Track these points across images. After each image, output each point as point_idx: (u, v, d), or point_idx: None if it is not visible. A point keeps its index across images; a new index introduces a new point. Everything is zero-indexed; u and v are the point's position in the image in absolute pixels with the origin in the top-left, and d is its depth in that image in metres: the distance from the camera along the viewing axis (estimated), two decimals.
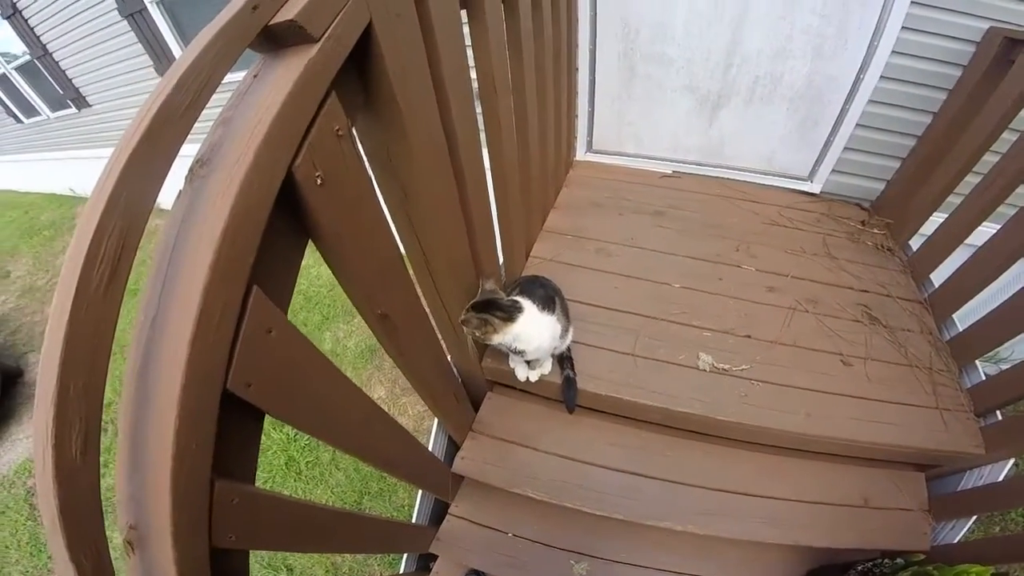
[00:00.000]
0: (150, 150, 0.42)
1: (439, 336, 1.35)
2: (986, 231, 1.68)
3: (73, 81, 4.75)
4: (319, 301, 3.60)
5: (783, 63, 2.10)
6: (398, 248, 0.95)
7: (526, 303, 1.30)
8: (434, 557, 1.52)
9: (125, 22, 3.71)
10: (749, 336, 1.68)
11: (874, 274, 1.98)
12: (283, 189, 0.56)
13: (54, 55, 4.60)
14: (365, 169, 0.75)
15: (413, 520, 1.51)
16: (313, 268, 3.80)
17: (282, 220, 0.61)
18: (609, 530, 1.52)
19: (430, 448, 1.52)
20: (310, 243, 0.71)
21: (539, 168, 1.87)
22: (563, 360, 1.54)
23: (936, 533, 1.42)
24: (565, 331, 1.43)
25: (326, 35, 0.53)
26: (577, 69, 2.31)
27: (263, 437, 2.85)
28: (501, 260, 1.67)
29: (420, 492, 1.53)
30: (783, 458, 1.54)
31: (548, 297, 1.39)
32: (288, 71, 0.51)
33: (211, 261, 0.47)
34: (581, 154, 2.60)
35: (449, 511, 1.55)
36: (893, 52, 1.93)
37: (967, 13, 1.79)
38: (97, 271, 0.42)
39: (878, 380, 1.58)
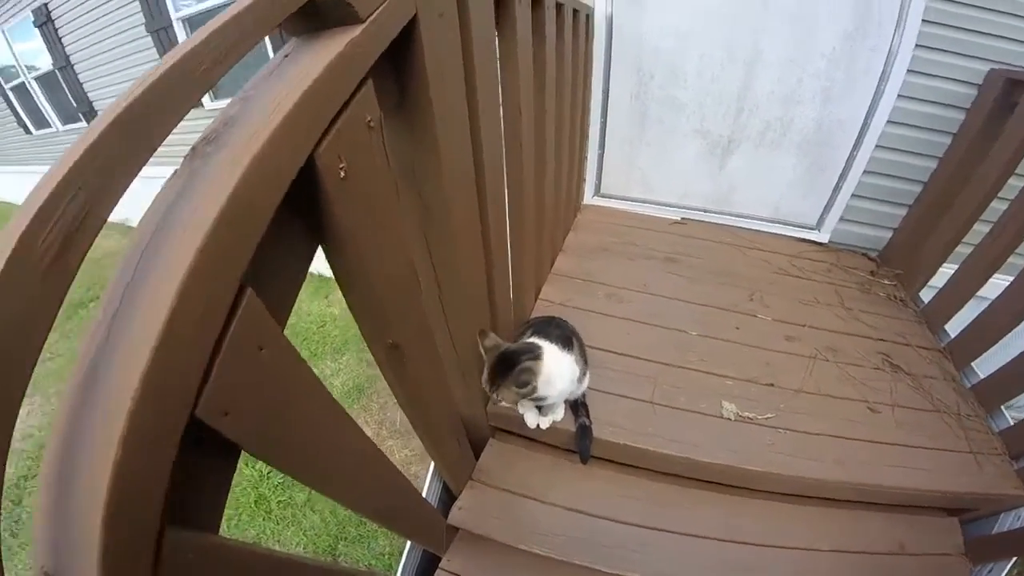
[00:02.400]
0: (149, 109, 0.34)
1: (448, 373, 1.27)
2: (999, 281, 1.66)
3: (89, 95, 4.81)
4: (307, 337, 3.50)
5: (793, 108, 2.14)
6: (431, 268, 0.89)
7: (544, 343, 1.22)
8: None
9: (149, 38, 3.80)
10: (772, 384, 1.60)
11: (889, 324, 1.93)
12: (298, 180, 0.47)
13: (75, 67, 4.67)
14: (391, 171, 0.67)
15: (399, 574, 1.35)
16: (304, 303, 3.73)
17: (292, 217, 0.51)
18: None
19: (424, 496, 1.39)
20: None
21: (552, 204, 1.84)
22: (577, 407, 1.44)
23: None
24: (583, 375, 1.34)
25: (371, 18, 0.48)
26: (589, 112, 2.36)
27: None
28: (511, 303, 1.60)
29: (408, 545, 1.38)
30: (810, 507, 1.41)
31: (566, 337, 1.31)
32: (327, 49, 0.45)
33: (201, 244, 0.36)
34: (589, 198, 2.60)
35: (440, 566, 1.39)
36: (899, 96, 1.97)
37: (969, 55, 1.83)
38: (44, 240, 0.31)
39: (907, 426, 1.50)
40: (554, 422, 1.41)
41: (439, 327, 1.13)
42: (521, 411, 1.41)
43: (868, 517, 1.41)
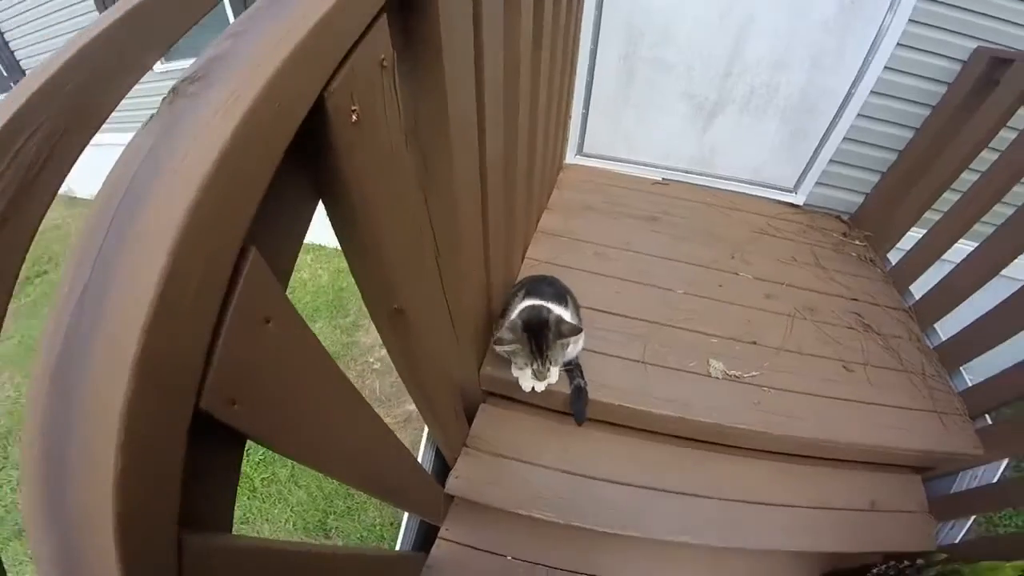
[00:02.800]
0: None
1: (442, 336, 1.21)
2: (962, 247, 1.74)
3: (21, 63, 4.24)
4: None
5: (781, 74, 2.12)
6: (429, 228, 0.81)
7: (541, 302, 1.18)
8: None
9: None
10: (755, 343, 1.64)
11: (861, 284, 2.01)
12: (304, 126, 0.39)
13: (5, 34, 4.10)
14: (402, 117, 0.58)
15: (398, 547, 1.33)
16: None
17: (296, 167, 0.44)
18: (615, 547, 1.40)
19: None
20: None
21: (540, 162, 1.76)
22: (572, 368, 1.42)
23: (937, 534, 1.43)
24: (576, 334, 1.31)
25: None
26: (575, 70, 2.25)
27: None
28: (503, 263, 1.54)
29: (405, 517, 1.36)
30: (793, 464, 1.49)
31: (559, 295, 1.28)
32: None
33: (195, 197, 0.29)
34: (571, 157, 2.53)
35: (440, 535, 1.38)
36: (885, 68, 1.99)
37: (958, 32, 1.85)
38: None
39: (880, 385, 1.58)
40: (549, 385, 1.39)
41: (436, 289, 1.07)
42: (516, 375, 1.39)
43: (842, 475, 1.49)
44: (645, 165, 2.50)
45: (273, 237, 0.43)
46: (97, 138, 0.37)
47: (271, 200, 0.37)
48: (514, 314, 1.20)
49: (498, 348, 1.15)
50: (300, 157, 0.42)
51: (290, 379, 0.48)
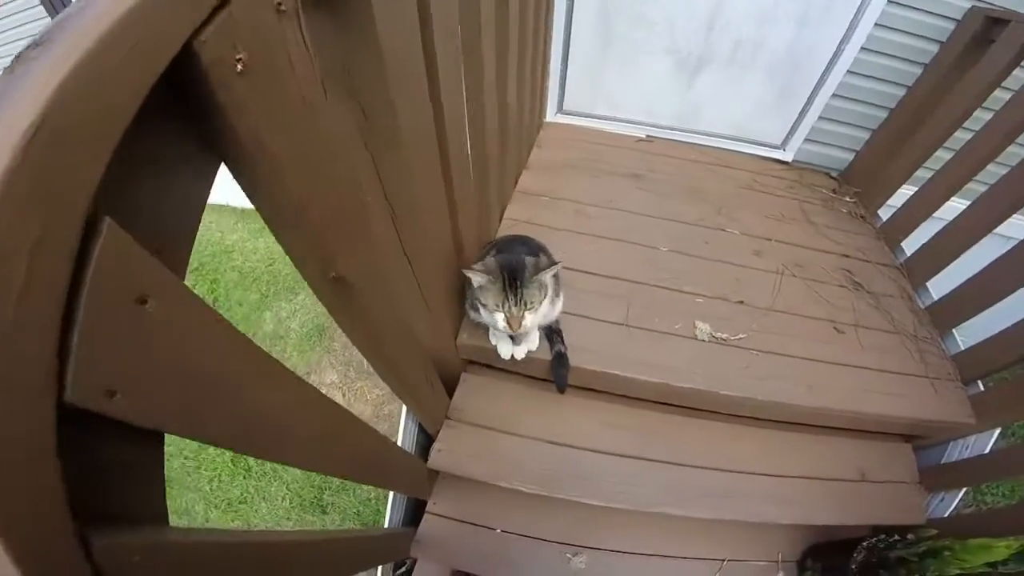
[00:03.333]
0: None
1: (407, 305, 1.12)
2: (954, 205, 1.69)
3: None
4: (256, 278, 3.18)
5: (767, 28, 2.00)
6: (378, 187, 0.71)
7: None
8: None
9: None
10: (742, 302, 1.57)
11: (851, 239, 1.95)
12: (182, 78, 0.33)
13: None
14: (315, 66, 0.48)
15: (386, 524, 1.28)
16: (248, 241, 3.40)
17: (176, 128, 0.38)
18: (606, 518, 1.37)
19: (399, 442, 1.29)
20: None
21: (515, 116, 1.64)
22: (552, 333, 1.34)
23: (926, 505, 1.40)
24: (556, 295, 1.23)
25: None
26: (552, 25, 2.10)
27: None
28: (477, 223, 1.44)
29: (391, 495, 1.30)
30: (781, 432, 1.45)
31: (532, 252, 1.19)
32: None
33: (8, 164, 0.23)
34: (551, 115, 2.40)
35: (427, 509, 1.33)
36: (876, 24, 1.90)
37: None
38: None
39: (871, 348, 1.53)
40: (529, 352, 1.32)
41: (394, 253, 0.97)
42: (494, 342, 1.31)
43: (832, 444, 1.45)
44: (628, 122, 2.39)
45: (151, 204, 0.37)
46: None
47: (142, 163, 0.34)
48: (488, 258, 1.12)
49: (468, 274, 1.06)
50: (184, 114, 0.37)
51: (188, 362, 0.39)
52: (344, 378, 2.62)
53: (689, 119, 2.34)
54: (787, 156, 2.33)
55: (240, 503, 2.24)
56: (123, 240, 0.31)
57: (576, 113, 2.41)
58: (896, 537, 1.23)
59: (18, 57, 0.27)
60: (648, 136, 2.37)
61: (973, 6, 1.77)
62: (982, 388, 1.46)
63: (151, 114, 0.31)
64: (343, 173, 0.60)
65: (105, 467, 0.38)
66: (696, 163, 2.25)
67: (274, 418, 0.54)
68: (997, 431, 1.40)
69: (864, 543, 1.27)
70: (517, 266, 1.07)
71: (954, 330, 1.61)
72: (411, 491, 1.22)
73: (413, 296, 1.12)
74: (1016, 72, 1.62)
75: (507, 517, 1.36)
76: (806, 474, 1.38)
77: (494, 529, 1.34)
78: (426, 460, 1.28)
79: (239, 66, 0.37)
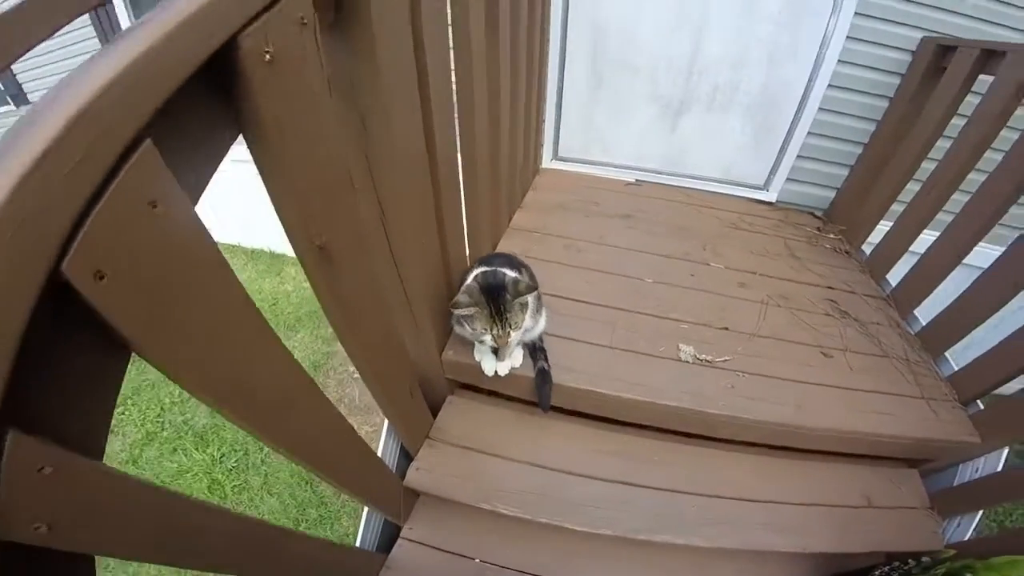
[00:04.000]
0: None
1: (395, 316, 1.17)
2: (931, 236, 1.73)
3: (17, 76, 4.31)
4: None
5: (741, 71, 2.16)
6: (348, 174, 0.78)
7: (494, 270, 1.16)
8: None
9: (86, 15, 3.40)
10: (727, 328, 1.59)
11: (836, 273, 1.98)
12: (223, 65, 0.46)
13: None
14: (323, 69, 0.61)
15: (357, 543, 1.24)
16: (256, 281, 3.54)
17: (214, 100, 0.50)
18: (591, 551, 1.31)
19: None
20: None
21: (508, 156, 1.77)
22: (535, 351, 1.37)
23: (944, 532, 1.32)
24: (537, 310, 1.27)
25: None
26: (547, 76, 2.29)
27: (182, 457, 2.40)
28: (467, 250, 1.52)
29: (365, 512, 1.27)
30: (775, 458, 1.42)
31: (511, 263, 1.25)
32: None
33: (97, 90, 0.34)
34: (547, 161, 2.55)
35: (401, 534, 1.29)
36: (839, 61, 2.03)
37: (904, 24, 1.92)
38: None
39: (861, 371, 1.52)
40: (512, 369, 1.34)
41: (382, 252, 1.04)
42: (478, 358, 1.33)
43: (833, 469, 1.41)
44: (619, 167, 2.52)
45: (182, 146, 0.46)
46: None
47: (184, 114, 0.45)
48: (469, 279, 1.17)
49: (456, 312, 1.11)
50: (221, 90, 0.50)
51: (176, 273, 0.46)
52: None
53: (676, 163, 2.47)
54: (771, 196, 2.42)
55: None
56: (154, 157, 0.40)
57: (571, 159, 2.56)
58: (912, 563, 1.17)
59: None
60: (638, 180, 2.50)
61: (923, 37, 1.89)
62: (981, 407, 1.42)
63: (197, 91, 0.44)
64: (336, 159, 0.70)
65: (59, 373, 0.41)
66: (683, 204, 2.34)
67: (244, 364, 0.57)
68: (1007, 450, 1.35)
69: (877, 572, 1.20)
70: (499, 290, 1.12)
71: (946, 353, 1.60)
72: (384, 507, 1.19)
73: (403, 310, 1.17)
74: (969, 98, 1.70)
75: (487, 547, 1.31)
76: (806, 500, 1.33)
77: (472, 559, 1.29)
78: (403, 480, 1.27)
79: (267, 56, 0.50)
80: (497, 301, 1.09)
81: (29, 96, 4.44)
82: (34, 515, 0.38)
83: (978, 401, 1.44)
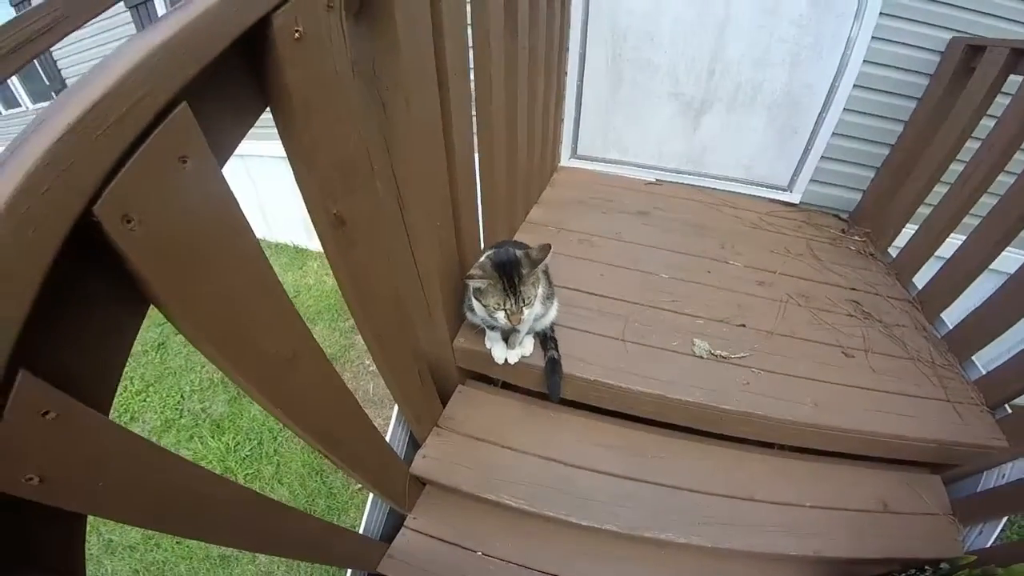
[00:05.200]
0: None
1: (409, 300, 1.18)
2: (959, 239, 1.68)
3: (62, 72, 4.54)
4: None
5: (763, 71, 2.13)
6: (367, 152, 0.80)
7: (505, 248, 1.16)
8: None
9: (128, 13, 3.54)
10: (744, 325, 1.56)
11: (860, 275, 1.93)
12: (257, 42, 0.51)
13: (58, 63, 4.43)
14: (348, 51, 0.65)
15: (360, 530, 1.24)
16: (279, 274, 3.56)
17: (246, 73, 0.55)
18: (598, 546, 1.29)
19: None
20: None
21: (527, 149, 1.78)
22: (546, 340, 1.36)
23: (964, 539, 1.27)
24: (548, 298, 1.26)
25: None
26: (566, 73, 2.30)
27: (198, 444, 2.45)
28: (481, 241, 1.52)
29: (370, 498, 1.27)
30: (790, 460, 1.38)
31: (520, 245, 1.25)
32: None
33: (144, 55, 0.39)
34: (565, 159, 2.55)
35: (405, 523, 1.29)
36: (865, 61, 1.99)
37: (931, 24, 1.88)
38: None
39: (883, 372, 1.47)
40: (523, 357, 1.34)
41: (399, 239, 1.05)
42: (489, 345, 1.33)
43: (849, 472, 1.36)
44: (638, 166, 2.50)
45: (213, 109, 0.49)
46: None
47: (219, 82, 0.49)
48: (481, 259, 1.17)
49: (470, 283, 1.11)
50: (255, 66, 0.54)
51: (199, 225, 0.48)
52: None
53: (696, 162, 2.44)
54: (794, 198, 2.37)
55: None
56: (188, 117, 0.43)
57: (589, 158, 2.56)
58: (929, 569, 1.12)
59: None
60: (658, 180, 2.47)
61: (953, 37, 1.84)
62: (1009, 411, 1.36)
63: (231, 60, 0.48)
64: (356, 137, 0.72)
65: (76, 323, 0.43)
66: (702, 203, 2.31)
67: (257, 327, 0.59)
68: None
69: None
70: (512, 264, 1.11)
71: (973, 358, 1.54)
72: (389, 494, 1.18)
73: (414, 290, 1.18)
74: (999, 99, 1.65)
75: (491, 540, 1.29)
76: (820, 503, 1.28)
77: (475, 552, 1.28)
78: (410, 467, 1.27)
79: (296, 34, 0.54)
80: (511, 275, 1.08)
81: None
82: (30, 465, 0.38)
83: (1006, 406, 1.39)
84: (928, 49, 1.93)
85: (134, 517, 0.53)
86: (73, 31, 1.02)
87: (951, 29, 1.88)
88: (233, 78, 0.53)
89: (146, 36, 0.41)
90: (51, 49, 4.40)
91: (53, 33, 0.84)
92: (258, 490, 2.23)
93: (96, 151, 0.37)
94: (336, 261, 0.75)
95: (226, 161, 0.55)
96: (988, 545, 1.23)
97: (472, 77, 1.22)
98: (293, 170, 0.66)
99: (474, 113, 1.26)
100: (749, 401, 1.32)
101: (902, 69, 2.00)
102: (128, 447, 0.49)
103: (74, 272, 0.40)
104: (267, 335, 0.60)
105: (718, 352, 1.43)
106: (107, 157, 0.38)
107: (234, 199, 0.51)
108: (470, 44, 1.16)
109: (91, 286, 0.44)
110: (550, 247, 1.11)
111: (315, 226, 0.71)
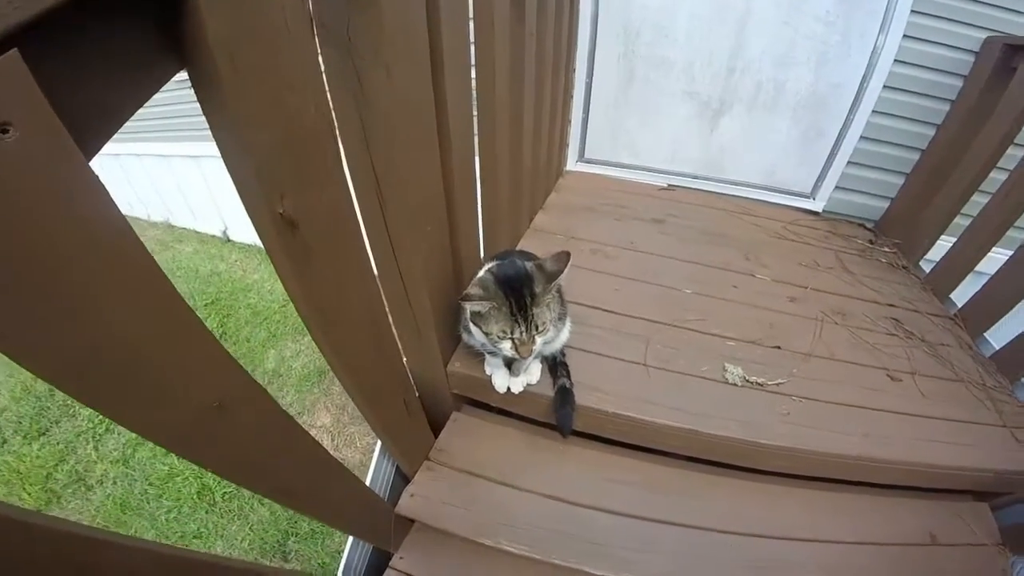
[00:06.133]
0: None
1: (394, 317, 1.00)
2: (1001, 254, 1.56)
3: None
4: (267, 317, 3.23)
5: (787, 70, 1.99)
6: (332, 133, 0.63)
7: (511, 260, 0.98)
8: None
9: None
10: (779, 347, 1.39)
11: (895, 290, 1.76)
12: None
13: None
14: (304, 3, 0.50)
15: (340, 572, 1.06)
16: (267, 282, 3.49)
17: (140, 21, 0.38)
18: None
19: (369, 480, 1.11)
20: None
21: (532, 150, 1.62)
22: (556, 366, 1.18)
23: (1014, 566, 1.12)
24: (560, 318, 1.07)
25: None
26: (574, 70, 2.15)
27: (174, 459, 2.24)
28: (481, 250, 1.35)
29: (350, 538, 1.09)
30: (828, 492, 1.21)
31: (525, 255, 1.07)
32: None
33: None
34: (572, 163, 2.40)
35: (391, 564, 1.10)
36: (896, 61, 1.87)
37: (965, 23, 1.76)
38: None
39: (934, 396, 1.32)
40: (528, 386, 1.16)
41: (379, 244, 0.87)
42: (489, 371, 1.15)
43: (891, 504, 1.21)
44: (650, 171, 2.35)
45: (81, 64, 0.35)
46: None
47: (96, 30, 0.34)
48: (481, 273, 0.98)
49: (468, 305, 0.91)
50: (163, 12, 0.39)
51: (29, 232, 0.31)
52: (336, 422, 2.52)
53: (713, 166, 2.29)
54: (817, 206, 2.21)
55: (194, 538, 2.08)
56: (19, 68, 0.29)
57: (598, 161, 2.40)
58: None
59: None
60: (671, 185, 2.32)
61: (988, 37, 1.72)
62: None
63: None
64: (312, 111, 0.55)
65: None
66: (721, 211, 2.15)
67: (129, 342, 0.40)
68: None
69: None
70: (521, 280, 0.92)
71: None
72: (369, 535, 1.01)
73: (399, 306, 1.00)
74: None
75: None
76: (865, 539, 1.12)
77: None
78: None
79: None
80: (520, 294, 0.89)
81: None
82: None
83: None
84: (962, 49, 1.81)
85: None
86: None
87: (986, 28, 1.76)
88: (124, 23, 0.37)
89: None
90: None
91: None
92: (237, 510, 2.05)
93: None
94: (286, 273, 0.57)
95: (108, 137, 0.38)
96: None
97: (473, 61, 1.06)
98: (221, 154, 0.49)
99: (474, 101, 1.10)
100: (792, 434, 1.15)
101: (934, 69, 1.87)
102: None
103: None
104: (170, 379, 0.42)
105: (753, 379, 1.25)
106: None
107: (103, 192, 0.34)
108: (471, 20, 1.00)
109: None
110: (569, 256, 0.91)
111: (255, 228, 0.53)
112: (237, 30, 0.42)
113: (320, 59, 0.62)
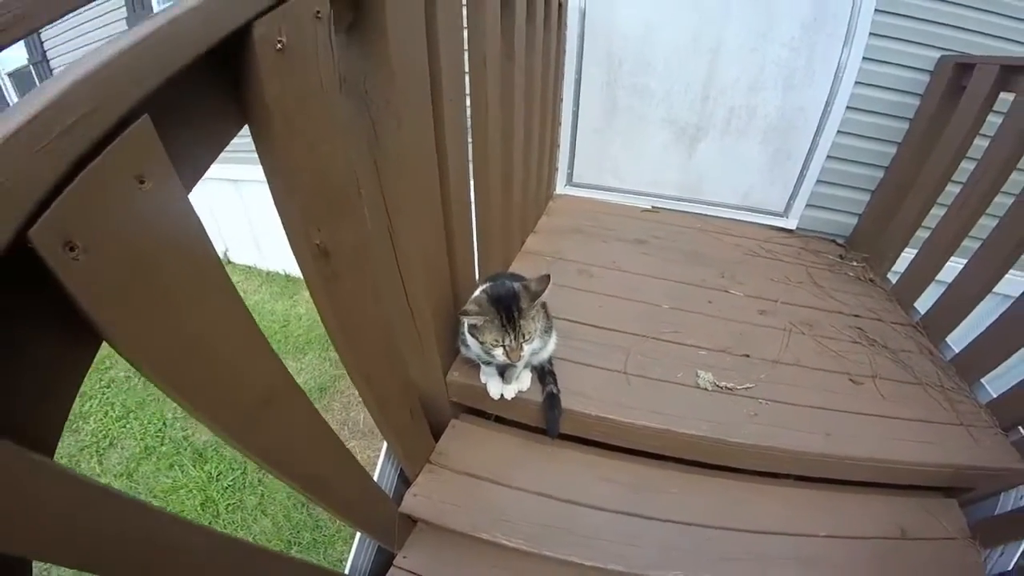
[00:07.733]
0: None
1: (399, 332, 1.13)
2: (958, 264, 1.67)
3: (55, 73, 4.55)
4: (270, 335, 3.26)
5: (757, 95, 2.15)
6: (354, 176, 0.77)
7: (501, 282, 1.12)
8: None
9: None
10: (748, 355, 1.51)
11: (861, 301, 1.90)
12: (235, 53, 0.48)
13: (51, 63, 4.40)
14: (335, 66, 0.62)
15: (346, 572, 1.16)
16: (268, 303, 3.61)
17: (222, 86, 0.51)
18: None
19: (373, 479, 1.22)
20: None
21: (523, 177, 1.76)
22: (544, 375, 1.31)
23: (986, 560, 1.21)
24: (546, 331, 1.22)
25: None
26: (562, 100, 2.32)
27: (178, 472, 2.34)
28: (476, 272, 1.49)
29: (357, 537, 1.20)
30: (802, 490, 1.31)
31: (514, 277, 1.21)
32: None
33: (104, 61, 0.35)
34: (561, 187, 2.55)
35: (394, 563, 1.20)
36: (857, 83, 2.01)
37: (920, 43, 1.90)
38: None
39: (893, 398, 1.43)
40: (520, 392, 1.28)
41: (389, 271, 1.01)
42: (484, 380, 1.28)
43: (862, 500, 1.31)
44: (634, 193, 2.50)
45: (182, 125, 0.45)
46: None
47: (190, 96, 0.46)
48: (476, 293, 1.13)
49: (466, 319, 1.07)
50: (233, 79, 0.51)
51: (157, 254, 0.43)
52: (339, 436, 2.56)
53: (692, 189, 2.44)
54: (790, 224, 2.36)
55: None
56: (149, 132, 0.39)
57: (585, 185, 2.56)
58: None
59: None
60: (653, 207, 2.47)
61: (941, 56, 1.85)
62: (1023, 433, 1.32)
63: (203, 73, 0.45)
64: (343, 159, 0.68)
65: (15, 359, 0.38)
66: (700, 231, 2.30)
67: (224, 362, 0.53)
68: None
69: None
70: (510, 298, 1.08)
71: (983, 380, 1.51)
72: (377, 533, 1.11)
73: (404, 323, 1.13)
74: (991, 118, 1.64)
75: None
76: (836, 533, 1.22)
77: None
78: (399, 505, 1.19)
79: (279, 45, 0.51)
80: (509, 310, 1.04)
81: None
82: None
83: (1019, 427, 1.34)
84: (918, 69, 1.96)
85: (81, 561, 0.46)
86: (35, 30, 0.98)
87: (939, 48, 1.90)
88: (208, 92, 0.49)
89: (113, 44, 0.37)
90: (52, 69, 4.39)
91: (7, 34, 0.79)
92: (240, 521, 2.13)
93: (35, 167, 0.32)
94: (319, 295, 0.70)
95: (195, 183, 0.50)
96: (1011, 567, 1.17)
97: (468, 106, 1.21)
98: (272, 194, 0.61)
99: (470, 138, 1.25)
100: (758, 433, 1.26)
101: (894, 90, 2.02)
102: (71, 489, 0.43)
103: (12, 307, 0.36)
104: (237, 375, 0.55)
105: (723, 384, 1.38)
106: (48, 175, 0.33)
107: (200, 226, 0.46)
108: (466, 68, 1.15)
109: (35, 323, 0.39)
110: (549, 278, 1.07)
111: (296, 257, 0.66)
112: (287, 90, 0.53)
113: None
